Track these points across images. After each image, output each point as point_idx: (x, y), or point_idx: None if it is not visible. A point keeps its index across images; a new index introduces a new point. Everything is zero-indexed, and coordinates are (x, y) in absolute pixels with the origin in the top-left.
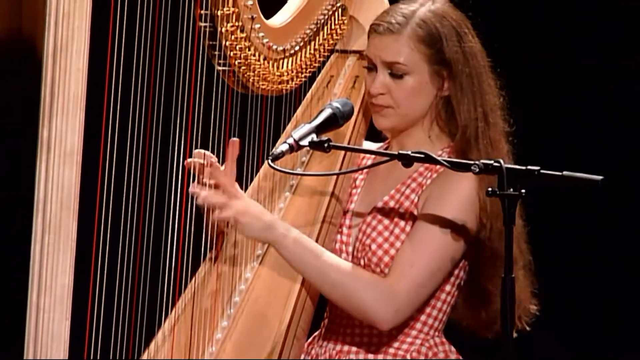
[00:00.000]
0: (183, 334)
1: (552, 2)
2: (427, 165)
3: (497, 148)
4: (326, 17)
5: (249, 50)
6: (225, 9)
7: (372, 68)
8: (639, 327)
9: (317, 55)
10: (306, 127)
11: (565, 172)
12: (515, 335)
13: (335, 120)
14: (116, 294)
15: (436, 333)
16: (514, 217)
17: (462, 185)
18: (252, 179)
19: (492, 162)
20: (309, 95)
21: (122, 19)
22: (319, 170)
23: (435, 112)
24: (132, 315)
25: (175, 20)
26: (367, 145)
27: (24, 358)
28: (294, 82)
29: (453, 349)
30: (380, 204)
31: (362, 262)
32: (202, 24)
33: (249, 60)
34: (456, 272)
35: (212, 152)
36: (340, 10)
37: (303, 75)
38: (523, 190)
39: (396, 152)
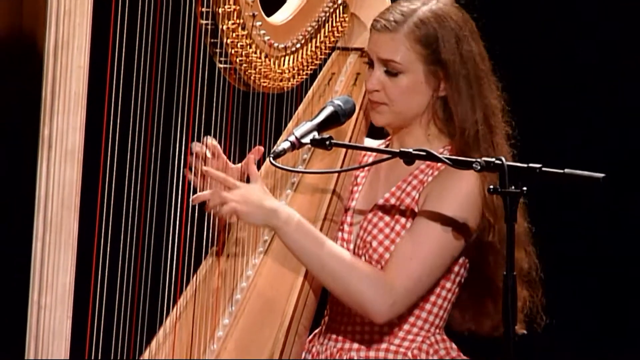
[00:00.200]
0: (184, 331)
1: (553, 2)
2: (428, 162)
3: (499, 152)
4: (327, 14)
5: (250, 47)
6: (226, 7)
7: (371, 64)
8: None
9: (319, 53)
10: (308, 125)
11: (566, 170)
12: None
13: (336, 118)
14: (117, 292)
15: (437, 330)
16: (516, 214)
17: (463, 183)
18: None
19: (493, 159)
20: (310, 92)
21: (123, 17)
22: (321, 168)
23: (432, 112)
24: (133, 313)
25: (176, 18)
26: (368, 142)
27: (25, 356)
28: (295, 80)
29: (454, 346)
30: (381, 201)
31: (363, 259)
32: (204, 22)
33: (250, 58)
34: (456, 269)
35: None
36: (341, 7)
37: (304, 73)
38: (525, 188)
39: (397, 150)
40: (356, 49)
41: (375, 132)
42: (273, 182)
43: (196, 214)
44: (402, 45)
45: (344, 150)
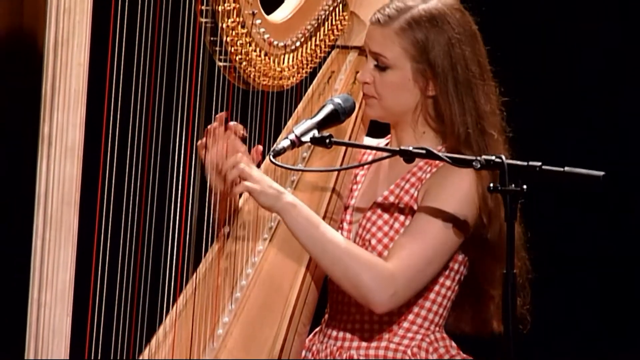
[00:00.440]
0: (184, 329)
1: (553, 3)
2: (426, 160)
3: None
4: (327, 12)
5: (250, 46)
6: (226, 5)
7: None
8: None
9: (318, 51)
10: (307, 123)
11: (566, 168)
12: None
13: (336, 116)
14: (117, 290)
15: (437, 328)
16: (516, 213)
17: (461, 180)
18: None
19: (493, 157)
20: (310, 91)
21: (123, 15)
22: (320, 166)
23: (424, 111)
24: (133, 311)
25: (176, 16)
26: (368, 141)
27: (25, 354)
28: (294, 78)
29: (454, 344)
30: (380, 199)
31: None
32: (203, 20)
33: (250, 56)
34: (456, 267)
35: None
36: (341, 6)
37: (304, 71)
38: (525, 186)
39: (397, 148)
40: (356, 47)
41: (375, 130)
42: (273, 180)
43: (196, 211)
44: (391, 41)
45: (343, 148)
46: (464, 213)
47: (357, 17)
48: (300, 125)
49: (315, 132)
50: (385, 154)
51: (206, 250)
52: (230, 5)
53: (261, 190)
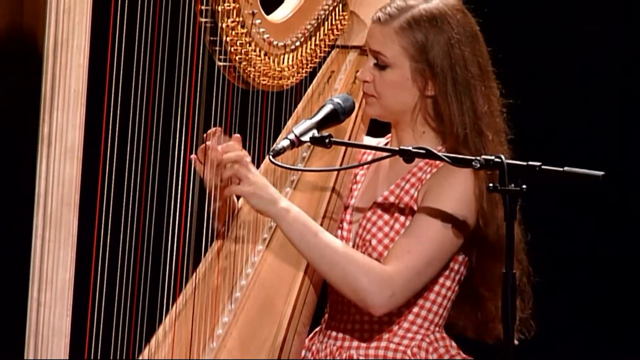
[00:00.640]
0: (184, 329)
1: (555, 3)
2: (426, 160)
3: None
4: (327, 12)
5: (250, 45)
6: (226, 5)
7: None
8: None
9: (318, 51)
10: (307, 123)
11: (566, 168)
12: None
13: (336, 116)
14: (117, 290)
15: (437, 328)
16: (515, 213)
17: (461, 181)
18: None
19: (493, 157)
20: (309, 90)
21: (123, 15)
22: (320, 166)
23: (423, 110)
24: (133, 310)
25: (176, 16)
26: (368, 140)
27: (25, 353)
28: (294, 78)
29: (454, 344)
30: (380, 199)
31: None
32: (203, 20)
33: (249, 56)
34: (456, 267)
35: None
36: (340, 5)
37: (304, 71)
38: (524, 186)
39: (397, 148)
40: (355, 47)
41: (375, 130)
42: (272, 180)
43: (195, 212)
44: (391, 39)
45: (343, 148)
46: (463, 214)
47: (357, 17)
48: (300, 125)
49: (314, 132)
50: (385, 154)
51: (206, 250)
52: (230, 5)
53: (254, 193)
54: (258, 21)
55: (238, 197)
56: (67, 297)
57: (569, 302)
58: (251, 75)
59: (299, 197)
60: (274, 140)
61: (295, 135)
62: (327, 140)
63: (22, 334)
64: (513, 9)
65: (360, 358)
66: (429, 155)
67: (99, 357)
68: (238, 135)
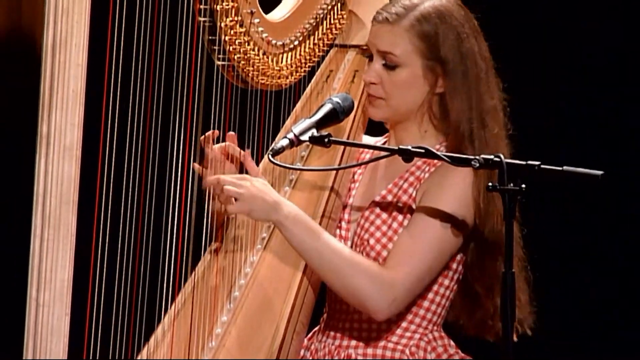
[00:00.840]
0: (183, 328)
1: (554, 3)
2: (425, 159)
3: (493, 150)
4: (325, 11)
5: (248, 44)
6: (224, 4)
7: (371, 57)
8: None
9: (317, 50)
10: (306, 122)
11: (565, 167)
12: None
13: (335, 116)
14: (116, 289)
15: (435, 327)
16: (514, 212)
17: (460, 180)
18: None
19: (492, 156)
20: (308, 90)
21: (122, 14)
22: (319, 165)
23: (429, 109)
24: (132, 309)
25: (174, 15)
26: (365, 139)
27: (24, 353)
28: (293, 77)
29: (452, 343)
30: (378, 198)
31: None
32: (202, 19)
33: (248, 55)
34: (454, 266)
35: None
36: (339, 4)
37: (302, 70)
38: (523, 185)
39: (396, 147)
40: (354, 46)
41: (373, 129)
42: (271, 180)
43: (194, 211)
44: (401, 38)
45: (342, 147)
46: (462, 213)
47: (356, 16)
48: (299, 124)
49: (314, 131)
50: (384, 153)
51: (205, 249)
52: (228, 4)
53: (251, 209)
54: (256, 20)
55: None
56: (66, 297)
57: (567, 301)
58: (250, 75)
59: (298, 196)
60: (273, 139)
61: (295, 135)
62: (326, 140)
63: (21, 333)
64: (511, 7)
65: (359, 357)
66: (428, 154)
67: (97, 357)
68: (232, 133)
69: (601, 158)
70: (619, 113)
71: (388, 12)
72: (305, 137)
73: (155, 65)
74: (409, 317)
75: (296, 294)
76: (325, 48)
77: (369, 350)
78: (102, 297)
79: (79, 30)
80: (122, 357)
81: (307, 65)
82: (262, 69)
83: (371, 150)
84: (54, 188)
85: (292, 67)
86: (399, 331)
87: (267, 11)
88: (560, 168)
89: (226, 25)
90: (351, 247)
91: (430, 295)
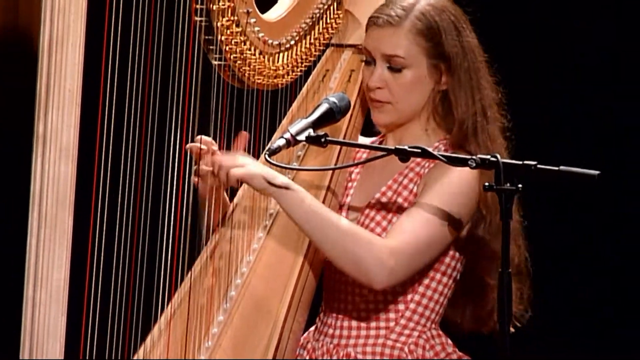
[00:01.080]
0: (179, 328)
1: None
2: None
3: (496, 143)
4: (321, 11)
5: (245, 44)
6: (220, 4)
7: (370, 61)
8: (638, 326)
9: (313, 50)
10: (303, 122)
11: (561, 167)
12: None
13: (332, 115)
14: (112, 289)
15: (433, 325)
16: (511, 212)
17: (461, 173)
18: None
19: (489, 156)
20: (304, 89)
21: (118, 14)
22: (315, 165)
23: (432, 106)
24: (128, 310)
25: (170, 15)
26: (361, 140)
27: (20, 353)
28: (289, 77)
29: (450, 341)
30: (378, 195)
31: None
32: (198, 19)
33: (244, 55)
34: (452, 264)
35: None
36: (335, 4)
37: (299, 70)
38: (520, 185)
39: (393, 147)
40: (350, 46)
41: (370, 129)
42: None
43: (191, 210)
44: (404, 39)
45: (338, 147)
46: (465, 202)
47: (352, 15)
48: (296, 124)
49: (310, 131)
50: (380, 153)
51: (201, 249)
52: (224, 4)
53: (253, 174)
54: (253, 20)
55: (233, 196)
56: (62, 297)
57: (566, 300)
58: (246, 74)
59: None
60: (269, 139)
61: (291, 135)
62: (323, 140)
63: (17, 333)
64: (504, 6)
65: (359, 356)
66: (425, 154)
67: (94, 357)
68: (244, 132)
69: (596, 157)
70: (613, 112)
71: (387, 14)
72: (301, 137)
73: (152, 65)
74: (408, 314)
75: (292, 293)
76: (321, 47)
77: (368, 349)
78: (98, 297)
79: (76, 29)
80: (119, 357)
81: (303, 65)
82: (259, 68)
83: (368, 150)
84: (50, 188)
85: (288, 66)
86: (397, 329)
87: (263, 11)
88: (556, 168)
89: (222, 25)
90: None
91: (429, 293)
